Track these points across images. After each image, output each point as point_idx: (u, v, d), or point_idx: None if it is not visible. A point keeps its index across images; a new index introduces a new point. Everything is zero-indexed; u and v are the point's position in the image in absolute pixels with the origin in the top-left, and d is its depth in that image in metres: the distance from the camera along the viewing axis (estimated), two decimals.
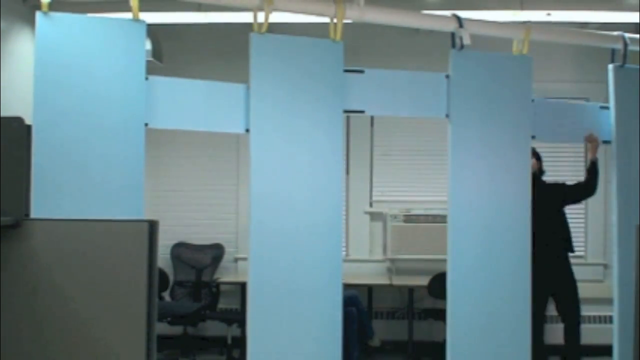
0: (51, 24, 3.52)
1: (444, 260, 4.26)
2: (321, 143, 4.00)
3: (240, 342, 5.65)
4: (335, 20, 3.98)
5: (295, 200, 3.94)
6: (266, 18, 3.83)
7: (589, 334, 6.15)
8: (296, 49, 3.99)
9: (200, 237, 6.45)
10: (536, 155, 4.97)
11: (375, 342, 5.89)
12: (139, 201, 3.64)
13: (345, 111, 4.13)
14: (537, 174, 4.97)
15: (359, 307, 5.78)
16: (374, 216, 6.40)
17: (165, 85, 3.81)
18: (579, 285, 5.28)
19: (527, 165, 4.32)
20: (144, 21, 3.69)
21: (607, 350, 4.65)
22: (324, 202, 3.98)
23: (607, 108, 4.62)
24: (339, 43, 4.02)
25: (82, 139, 3.56)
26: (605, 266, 6.23)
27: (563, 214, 5.10)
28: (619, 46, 4.54)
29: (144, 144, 3.66)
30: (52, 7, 3.55)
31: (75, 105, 3.56)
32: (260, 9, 3.83)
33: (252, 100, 3.89)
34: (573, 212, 6.37)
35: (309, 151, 3.98)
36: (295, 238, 3.93)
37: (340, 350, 3.98)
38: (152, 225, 2.28)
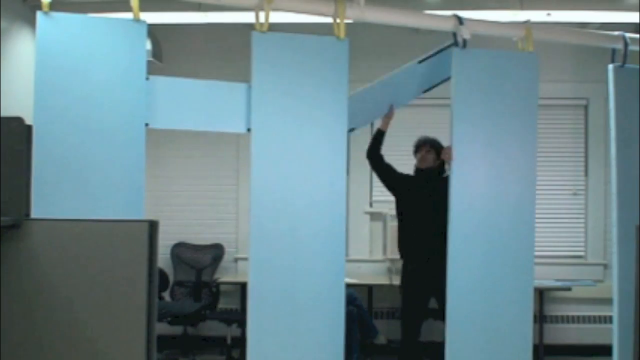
0: (52, 24, 3.52)
1: None
2: (324, 142, 3.98)
3: (240, 342, 5.65)
4: (337, 20, 3.97)
5: (297, 200, 3.93)
6: (266, 17, 3.82)
7: (589, 334, 6.16)
8: (298, 47, 3.97)
9: (200, 237, 6.45)
10: (436, 151, 4.72)
11: (381, 339, 5.84)
12: (140, 201, 3.63)
13: None
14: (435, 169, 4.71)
15: (359, 305, 5.74)
16: (374, 216, 6.39)
17: (166, 85, 3.80)
18: (577, 285, 5.27)
19: (533, 164, 4.28)
20: (144, 21, 3.68)
21: (607, 350, 4.65)
22: (327, 202, 3.96)
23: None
24: (344, 41, 3.99)
25: (82, 139, 3.55)
26: (605, 266, 6.24)
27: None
28: (619, 46, 4.54)
29: (144, 144, 3.66)
30: (52, 7, 3.55)
31: (76, 105, 3.55)
32: (261, 9, 3.82)
33: (254, 99, 3.87)
34: (573, 212, 6.40)
35: (311, 151, 3.97)
36: (297, 237, 3.92)
37: (342, 351, 3.97)
38: (152, 225, 2.28)
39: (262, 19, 3.84)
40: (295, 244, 3.91)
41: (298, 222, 3.92)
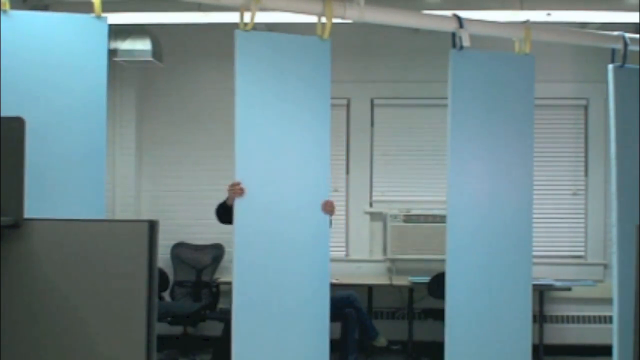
0: (12, 23, 3.55)
1: (444, 260, 4.26)
2: (307, 141, 3.98)
3: None
4: (324, 19, 3.97)
5: (281, 199, 3.92)
6: (252, 16, 3.81)
7: (589, 334, 6.16)
8: (281, 46, 3.97)
9: (200, 237, 6.44)
10: None
11: (381, 341, 5.76)
12: (100, 201, 3.67)
13: None
14: None
15: (357, 307, 5.71)
16: (374, 216, 6.39)
17: None
18: (577, 285, 5.26)
19: (530, 165, 4.29)
20: (105, 17, 3.70)
21: (607, 350, 4.65)
22: (311, 201, 3.96)
23: None
24: (326, 41, 3.99)
25: (43, 136, 3.54)
26: (605, 266, 6.23)
27: None
28: (619, 46, 4.54)
29: (105, 142, 3.69)
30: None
31: (38, 103, 3.57)
32: (247, 9, 3.81)
33: (238, 98, 3.86)
34: (573, 212, 6.39)
35: (295, 149, 3.96)
36: (281, 237, 3.91)
37: (327, 349, 3.96)
38: (152, 225, 2.28)
39: (249, 19, 3.83)
40: (279, 244, 3.90)
41: (282, 222, 3.91)
